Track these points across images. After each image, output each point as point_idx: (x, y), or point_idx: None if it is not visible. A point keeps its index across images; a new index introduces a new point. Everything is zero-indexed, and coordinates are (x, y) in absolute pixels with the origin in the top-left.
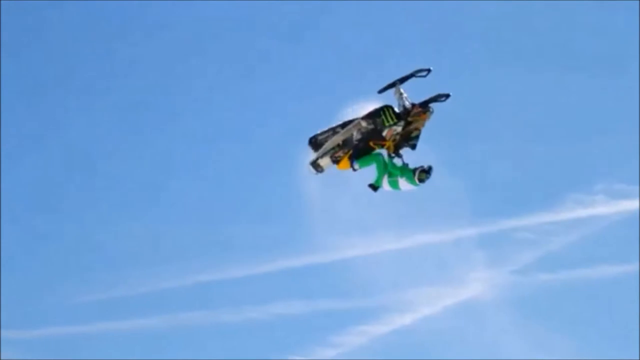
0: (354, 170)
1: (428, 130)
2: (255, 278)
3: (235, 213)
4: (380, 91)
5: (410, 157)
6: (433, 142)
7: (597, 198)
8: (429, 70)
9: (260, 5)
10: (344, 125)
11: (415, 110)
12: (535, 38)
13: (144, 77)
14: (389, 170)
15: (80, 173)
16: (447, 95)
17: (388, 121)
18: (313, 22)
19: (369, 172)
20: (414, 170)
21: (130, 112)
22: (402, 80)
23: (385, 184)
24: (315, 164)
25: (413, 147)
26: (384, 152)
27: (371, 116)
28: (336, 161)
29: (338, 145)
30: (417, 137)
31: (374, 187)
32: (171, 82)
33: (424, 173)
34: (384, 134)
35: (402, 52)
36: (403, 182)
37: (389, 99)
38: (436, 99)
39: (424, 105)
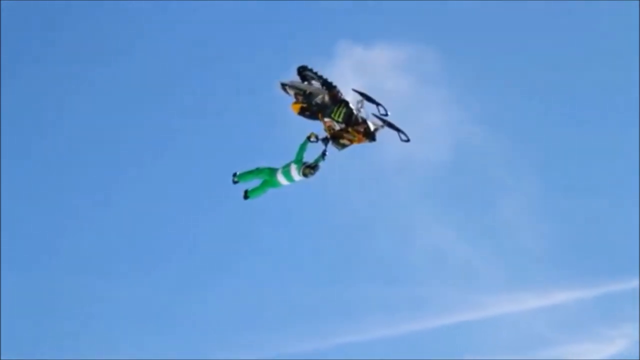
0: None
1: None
2: (395, 339)
3: (371, 272)
4: (354, 90)
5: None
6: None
7: None
8: (386, 113)
9: None
10: (325, 83)
11: (358, 127)
12: None
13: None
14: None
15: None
16: (407, 140)
17: (335, 114)
18: None
19: None
20: (304, 163)
21: None
22: (369, 99)
23: (280, 177)
24: (284, 86)
25: (338, 149)
26: (320, 130)
27: (334, 99)
28: (294, 100)
29: (305, 91)
30: (344, 145)
31: (245, 195)
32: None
33: (309, 169)
34: (326, 119)
35: None
36: (293, 171)
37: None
38: (397, 131)
39: (370, 131)
